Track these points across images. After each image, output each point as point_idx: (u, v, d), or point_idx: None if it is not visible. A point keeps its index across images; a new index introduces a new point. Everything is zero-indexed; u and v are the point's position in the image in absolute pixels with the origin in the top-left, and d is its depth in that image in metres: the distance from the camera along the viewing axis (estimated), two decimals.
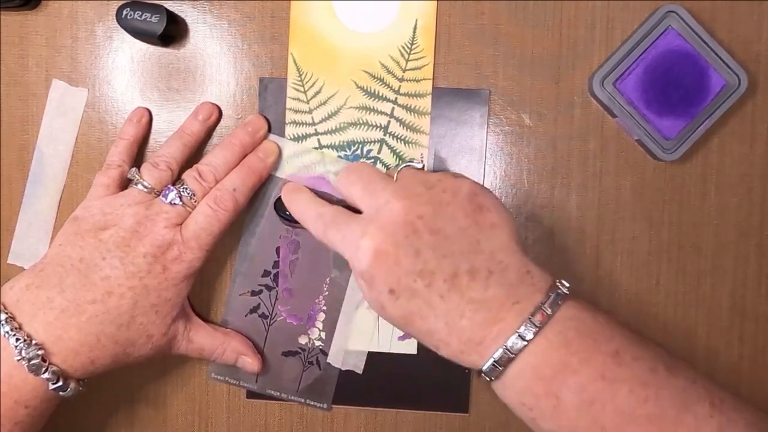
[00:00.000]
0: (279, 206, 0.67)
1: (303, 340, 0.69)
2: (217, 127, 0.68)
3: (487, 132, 0.68)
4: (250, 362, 0.67)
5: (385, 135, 0.68)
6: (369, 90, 0.68)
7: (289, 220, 0.67)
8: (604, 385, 0.53)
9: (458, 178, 0.59)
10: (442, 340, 0.56)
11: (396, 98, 0.67)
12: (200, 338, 0.65)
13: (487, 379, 0.56)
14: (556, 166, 0.67)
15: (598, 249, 0.68)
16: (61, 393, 0.59)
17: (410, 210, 0.57)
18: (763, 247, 0.67)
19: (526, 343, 0.54)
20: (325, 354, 0.69)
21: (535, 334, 0.54)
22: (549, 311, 0.54)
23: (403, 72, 0.67)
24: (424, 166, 0.64)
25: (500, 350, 0.54)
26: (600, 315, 0.56)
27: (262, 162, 0.66)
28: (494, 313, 0.55)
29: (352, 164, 0.63)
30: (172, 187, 0.62)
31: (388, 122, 0.68)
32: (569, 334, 0.54)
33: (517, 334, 0.54)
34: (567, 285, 0.57)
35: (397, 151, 0.68)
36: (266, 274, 0.69)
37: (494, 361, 0.54)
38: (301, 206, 0.64)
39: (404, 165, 0.62)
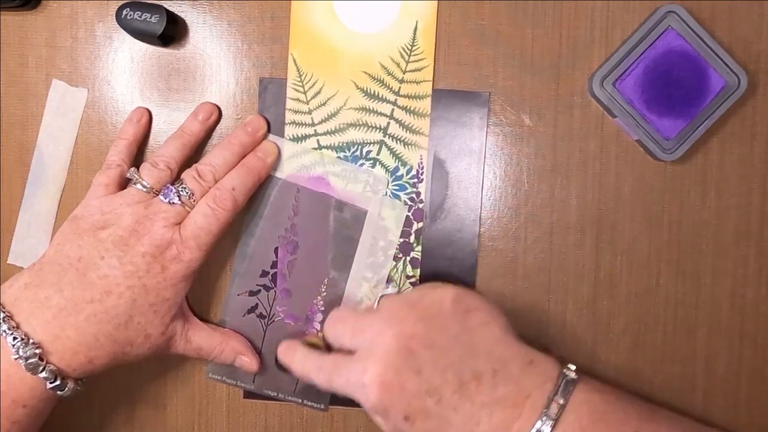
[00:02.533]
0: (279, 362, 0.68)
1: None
2: (217, 128, 0.68)
3: (486, 134, 0.67)
4: (248, 362, 0.67)
5: (384, 136, 0.68)
6: (369, 91, 0.68)
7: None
8: None
9: (438, 288, 0.61)
10: None
11: (396, 100, 0.67)
12: (198, 338, 0.65)
13: None
14: (556, 166, 0.67)
15: (598, 249, 0.67)
16: (59, 392, 0.59)
17: (402, 334, 0.58)
18: (763, 247, 0.67)
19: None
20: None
21: (553, 427, 0.54)
22: (562, 401, 0.55)
23: (403, 73, 0.67)
24: (399, 288, 0.66)
25: None
26: (611, 394, 0.58)
27: (262, 162, 0.66)
28: (510, 411, 0.56)
29: (332, 314, 0.64)
30: (171, 187, 0.62)
31: (388, 123, 0.68)
32: (584, 421, 0.55)
33: (534, 429, 0.55)
34: (573, 369, 0.58)
35: (397, 152, 0.68)
36: (264, 274, 0.69)
37: None
38: (300, 363, 0.64)
39: (380, 296, 0.64)
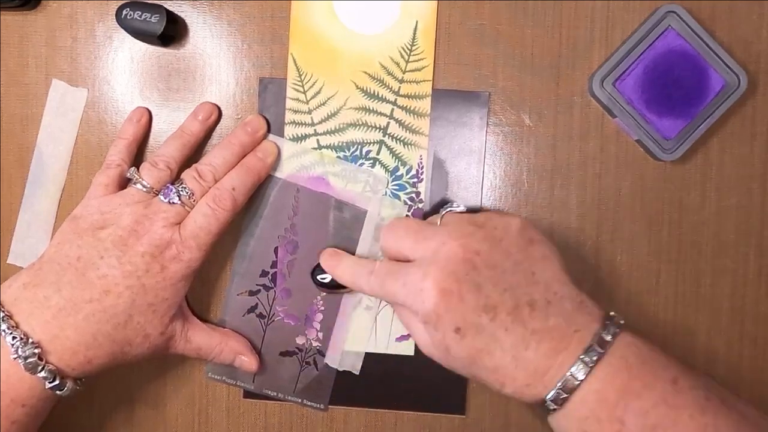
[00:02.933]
0: (318, 273, 0.67)
1: (300, 340, 0.69)
2: (217, 127, 0.68)
3: (486, 134, 0.67)
4: (247, 362, 0.67)
5: (384, 136, 0.68)
6: (369, 91, 0.67)
7: (330, 287, 0.67)
8: (667, 411, 0.54)
9: (505, 215, 0.60)
10: (508, 375, 0.56)
11: (396, 99, 0.67)
12: (198, 338, 0.65)
13: (551, 408, 0.56)
14: (556, 166, 0.67)
15: (598, 249, 0.67)
16: (58, 392, 0.59)
17: (467, 248, 0.57)
18: (763, 247, 0.67)
19: (589, 369, 0.55)
20: (323, 354, 0.69)
21: (598, 360, 0.55)
22: (609, 338, 0.55)
23: (403, 73, 0.67)
24: (466, 208, 0.64)
25: (565, 377, 0.55)
26: (654, 344, 0.58)
27: (261, 162, 0.66)
28: (557, 342, 0.56)
29: (394, 221, 0.63)
30: (171, 187, 0.62)
31: (388, 123, 0.68)
32: (630, 360, 0.55)
33: (580, 361, 0.55)
34: (620, 317, 0.58)
35: (396, 152, 0.68)
36: (264, 274, 0.69)
37: (559, 388, 0.55)
38: (348, 268, 0.65)
39: (445, 210, 0.63)
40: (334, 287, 0.67)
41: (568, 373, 0.55)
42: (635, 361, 0.55)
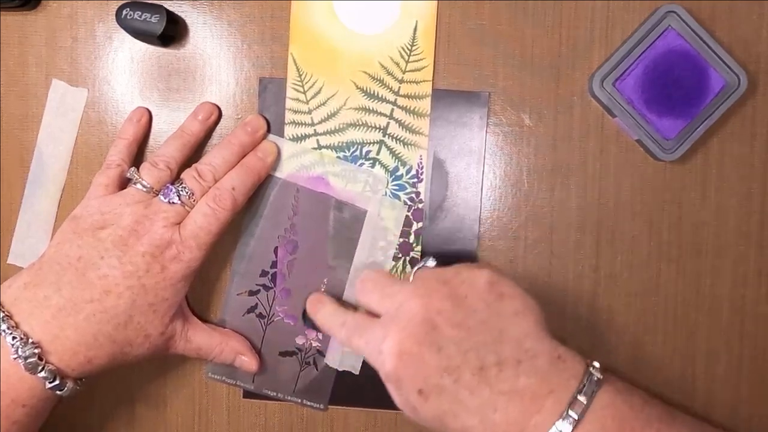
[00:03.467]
0: (306, 316, 0.68)
1: (300, 340, 0.69)
2: (217, 128, 0.68)
3: (486, 134, 0.67)
4: (247, 362, 0.67)
5: (384, 136, 0.68)
6: (368, 91, 0.67)
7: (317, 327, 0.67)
8: None
9: (474, 269, 0.59)
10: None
11: (395, 100, 0.67)
12: (198, 338, 0.65)
13: None
14: (556, 166, 0.67)
15: (598, 249, 0.67)
16: (58, 392, 0.59)
17: (429, 306, 0.56)
18: (763, 247, 0.67)
19: (566, 429, 0.53)
20: (322, 354, 0.69)
21: (574, 427, 0.53)
22: (585, 401, 0.54)
23: (403, 73, 0.67)
24: (436, 264, 0.62)
25: None
26: (635, 396, 0.56)
27: (261, 161, 0.66)
28: (528, 404, 0.54)
29: (366, 272, 0.63)
30: (171, 187, 0.62)
31: (388, 123, 0.68)
32: (607, 423, 0.54)
33: (555, 428, 0.53)
34: (598, 366, 0.56)
35: (396, 152, 0.68)
36: (264, 274, 0.69)
37: None
38: (325, 317, 0.64)
39: (418, 267, 0.62)
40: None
41: None
42: (612, 424, 0.54)
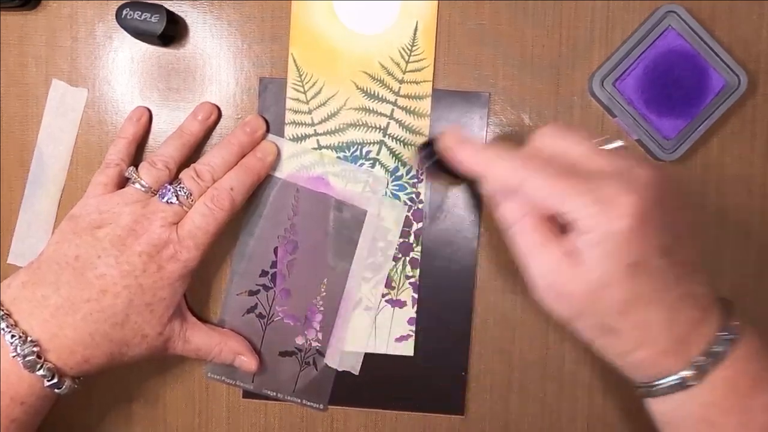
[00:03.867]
0: (427, 154, 0.59)
1: (300, 340, 0.69)
2: (217, 128, 0.68)
3: (486, 135, 0.67)
4: (247, 362, 0.67)
5: (384, 136, 0.68)
6: (369, 91, 0.67)
7: (444, 172, 0.58)
8: None
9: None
10: (652, 336, 0.50)
11: (396, 100, 0.67)
12: (197, 338, 0.65)
13: (668, 390, 0.51)
14: None
15: None
16: (56, 390, 0.59)
17: (665, 181, 0.50)
18: (763, 247, 0.67)
19: (726, 349, 0.49)
20: (322, 355, 0.69)
21: (735, 340, 0.50)
22: (738, 322, 0.51)
23: (403, 74, 0.67)
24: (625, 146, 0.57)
25: (707, 352, 0.50)
26: None
27: (260, 161, 0.66)
28: (700, 312, 0.50)
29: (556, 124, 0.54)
30: (169, 187, 0.62)
31: (388, 124, 0.68)
32: (763, 346, 0.51)
33: (720, 338, 0.50)
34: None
35: (397, 152, 0.68)
36: (264, 274, 0.69)
37: (695, 366, 0.50)
38: (499, 162, 0.52)
39: (610, 144, 0.54)
40: (450, 175, 0.58)
41: (709, 350, 0.49)
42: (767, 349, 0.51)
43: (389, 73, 0.67)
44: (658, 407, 0.53)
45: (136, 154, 0.67)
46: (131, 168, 0.64)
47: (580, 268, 0.49)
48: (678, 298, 0.50)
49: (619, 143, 0.54)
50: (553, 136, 0.52)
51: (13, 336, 0.57)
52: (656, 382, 0.51)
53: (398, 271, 0.68)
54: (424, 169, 0.65)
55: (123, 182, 0.64)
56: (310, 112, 0.68)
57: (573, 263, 0.49)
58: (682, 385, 0.50)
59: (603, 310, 0.50)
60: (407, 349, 0.69)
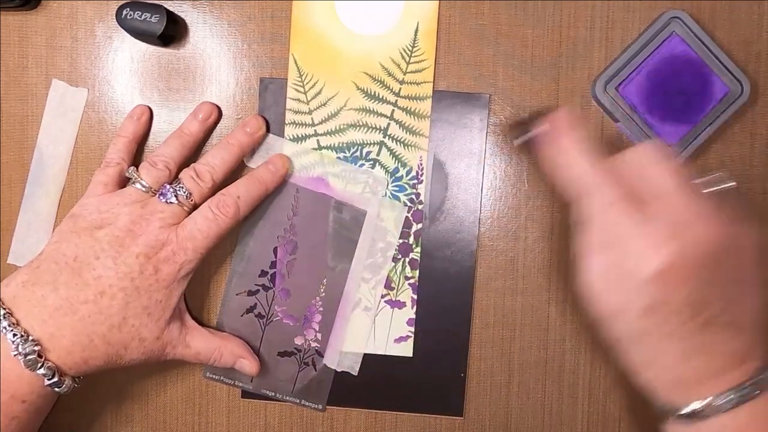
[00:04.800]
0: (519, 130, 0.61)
1: (299, 340, 0.69)
2: (217, 128, 0.68)
3: (486, 136, 0.67)
4: (248, 365, 0.67)
5: (384, 137, 0.68)
6: (369, 92, 0.67)
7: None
8: None
9: (757, 227, 0.55)
10: (656, 372, 0.54)
11: (396, 101, 0.67)
12: (197, 343, 0.65)
13: (676, 418, 0.53)
14: None
15: None
16: (56, 389, 0.59)
17: (721, 242, 0.51)
18: (763, 247, 0.67)
19: (739, 403, 0.51)
20: (321, 355, 0.69)
21: (750, 397, 0.51)
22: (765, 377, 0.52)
23: (404, 74, 0.67)
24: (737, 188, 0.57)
25: (711, 401, 0.52)
26: None
27: (272, 174, 0.66)
28: (721, 366, 0.52)
29: (654, 145, 0.54)
30: (168, 187, 0.62)
31: (388, 124, 0.68)
32: None
33: (733, 392, 0.51)
34: None
35: (397, 153, 0.68)
36: (263, 274, 0.69)
37: (698, 409, 0.52)
38: (586, 161, 0.55)
39: (718, 184, 0.56)
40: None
41: (717, 400, 0.51)
42: None
43: (390, 74, 0.67)
44: (669, 429, 0.55)
45: (136, 154, 0.67)
46: (132, 168, 0.64)
47: (615, 288, 0.52)
48: (691, 349, 0.52)
49: (722, 185, 0.55)
50: (649, 159, 0.54)
51: (14, 335, 0.57)
52: (660, 406, 0.55)
53: (398, 272, 0.68)
54: (516, 144, 0.64)
55: (123, 181, 0.64)
56: (310, 112, 0.68)
57: (608, 279, 0.52)
58: (676, 418, 0.54)
59: (620, 336, 0.54)
60: (406, 349, 0.69)
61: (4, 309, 0.58)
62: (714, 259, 0.51)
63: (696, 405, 0.52)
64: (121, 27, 0.65)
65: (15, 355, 0.57)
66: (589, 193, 0.54)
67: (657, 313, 0.51)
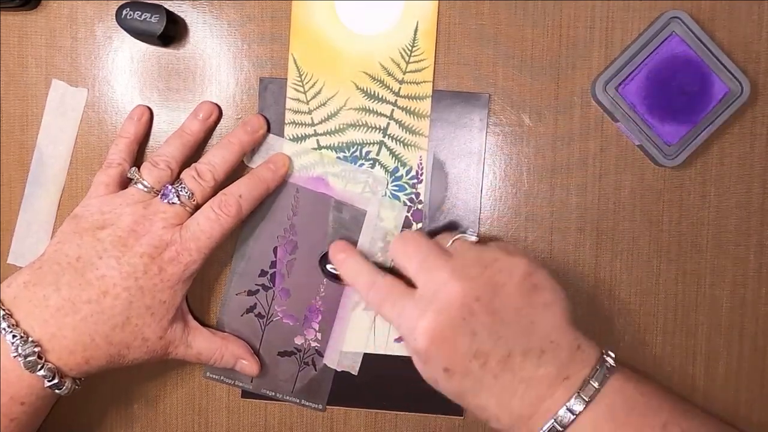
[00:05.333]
0: (326, 261, 0.68)
1: (299, 340, 0.69)
2: (217, 128, 0.68)
3: (486, 135, 0.67)
4: (248, 366, 0.67)
5: (384, 137, 0.68)
6: (369, 92, 0.67)
7: (334, 277, 0.68)
8: None
9: (513, 256, 0.59)
10: (492, 416, 0.57)
11: (396, 100, 0.67)
12: (198, 343, 0.65)
13: None
14: (555, 166, 0.67)
15: (598, 249, 0.67)
16: (56, 391, 0.58)
17: (468, 292, 0.57)
18: (763, 247, 0.67)
19: (574, 416, 0.55)
20: (321, 355, 0.69)
21: (584, 408, 0.55)
22: (596, 385, 0.56)
23: (404, 74, 0.67)
24: (478, 237, 0.63)
25: (550, 423, 0.55)
26: (646, 385, 0.58)
27: (272, 173, 0.66)
28: (543, 390, 0.56)
29: (407, 234, 0.62)
30: (170, 187, 0.62)
31: (388, 124, 0.68)
32: (617, 407, 0.56)
33: (565, 408, 0.55)
34: (613, 356, 0.58)
35: (396, 153, 0.68)
36: (263, 273, 0.69)
37: (550, 426, 0.56)
38: (353, 272, 0.64)
39: (458, 236, 0.62)
40: (340, 280, 0.67)
41: (553, 421, 0.55)
42: (623, 408, 0.56)
43: (389, 74, 0.67)
44: None
45: (137, 155, 0.67)
46: (133, 168, 0.64)
47: (421, 369, 0.60)
48: (507, 387, 0.56)
49: (458, 236, 0.62)
50: (397, 251, 0.62)
51: (14, 336, 0.57)
52: None
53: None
54: (327, 278, 0.69)
55: (125, 182, 0.65)
56: (310, 112, 0.68)
57: (419, 364, 0.60)
58: None
59: (449, 396, 0.59)
60: (406, 349, 0.68)
61: (4, 310, 0.58)
62: (469, 311, 0.56)
63: (545, 428, 0.56)
64: (121, 27, 0.65)
65: (15, 357, 0.57)
66: (361, 296, 0.63)
67: (453, 372, 0.57)
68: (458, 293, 0.57)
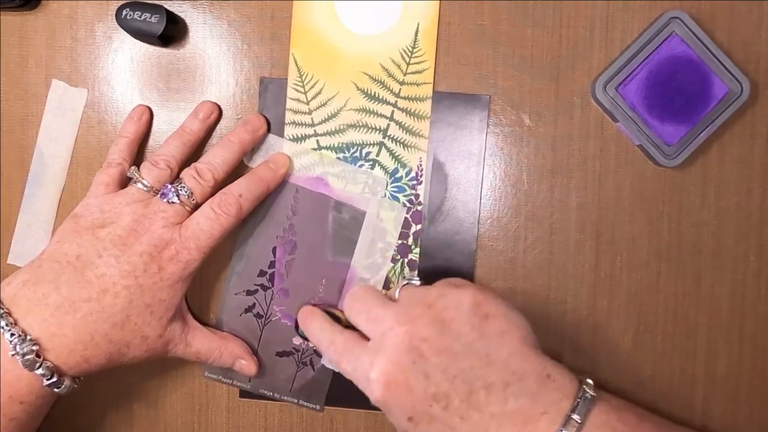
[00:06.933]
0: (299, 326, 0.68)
1: (297, 340, 0.69)
2: (217, 128, 0.68)
3: (486, 137, 0.67)
4: (246, 365, 0.67)
5: (384, 138, 0.68)
6: (369, 92, 0.67)
7: (306, 338, 0.68)
8: None
9: (459, 288, 0.58)
10: None
11: (396, 101, 0.67)
12: (197, 341, 0.65)
13: None
14: (555, 166, 0.67)
15: (598, 249, 0.67)
16: (56, 389, 0.58)
17: (413, 334, 0.56)
18: (763, 247, 0.67)
19: None
20: (319, 355, 0.69)
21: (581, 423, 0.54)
22: (579, 420, 0.54)
23: (404, 75, 0.67)
24: (421, 282, 0.62)
25: None
26: (630, 413, 0.57)
27: (272, 172, 0.66)
28: (520, 427, 0.54)
29: (354, 291, 0.63)
30: (170, 186, 0.62)
31: (388, 125, 0.68)
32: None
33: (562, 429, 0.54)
34: (591, 384, 0.56)
35: (396, 154, 0.68)
36: (262, 273, 0.69)
37: None
38: (315, 333, 0.64)
39: (403, 284, 0.62)
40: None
41: None
42: None
43: (390, 75, 0.67)
44: None
45: (137, 154, 0.67)
46: (133, 168, 0.64)
47: (390, 419, 0.59)
48: (478, 426, 0.55)
49: (405, 283, 0.62)
50: (347, 308, 0.62)
51: (12, 334, 0.57)
52: None
53: (396, 273, 0.68)
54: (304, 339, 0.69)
55: (125, 182, 0.65)
56: (310, 112, 0.68)
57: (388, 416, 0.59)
58: None
59: None
60: None
61: (3, 309, 0.58)
62: (418, 353, 0.56)
63: None
64: (121, 27, 0.65)
65: (13, 355, 0.57)
66: (331, 362, 0.63)
67: (418, 421, 0.56)
68: (404, 337, 0.56)
